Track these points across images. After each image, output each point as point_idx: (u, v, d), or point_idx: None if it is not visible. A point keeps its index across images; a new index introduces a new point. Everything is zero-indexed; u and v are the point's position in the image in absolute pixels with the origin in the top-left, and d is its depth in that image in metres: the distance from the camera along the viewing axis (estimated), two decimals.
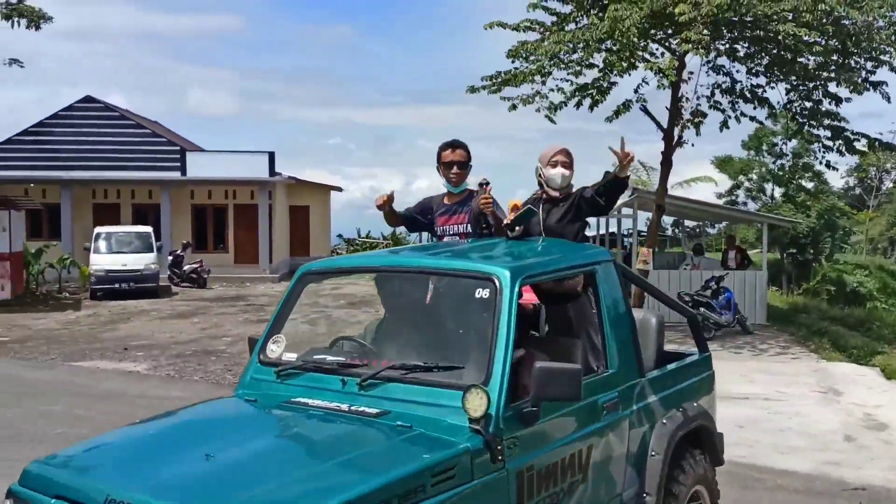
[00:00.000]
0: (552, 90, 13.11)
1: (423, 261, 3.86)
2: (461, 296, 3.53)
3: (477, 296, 3.34)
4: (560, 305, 4.07)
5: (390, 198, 4.70)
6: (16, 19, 19.40)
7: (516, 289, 3.29)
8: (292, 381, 3.50)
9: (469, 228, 4.59)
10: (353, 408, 3.20)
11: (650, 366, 4.17)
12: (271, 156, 27.02)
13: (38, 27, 19.69)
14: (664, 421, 3.95)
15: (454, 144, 4.72)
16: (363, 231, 35.26)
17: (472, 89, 13.27)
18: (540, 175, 4.45)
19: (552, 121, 13.14)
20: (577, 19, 13.31)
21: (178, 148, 27.55)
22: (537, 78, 12.66)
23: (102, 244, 21.26)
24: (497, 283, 3.29)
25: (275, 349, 3.69)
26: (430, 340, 3.61)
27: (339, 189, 36.00)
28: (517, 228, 4.24)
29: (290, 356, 3.63)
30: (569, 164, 4.41)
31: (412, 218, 4.91)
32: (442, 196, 4.79)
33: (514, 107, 13.15)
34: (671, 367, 4.29)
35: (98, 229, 22.04)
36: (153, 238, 22.08)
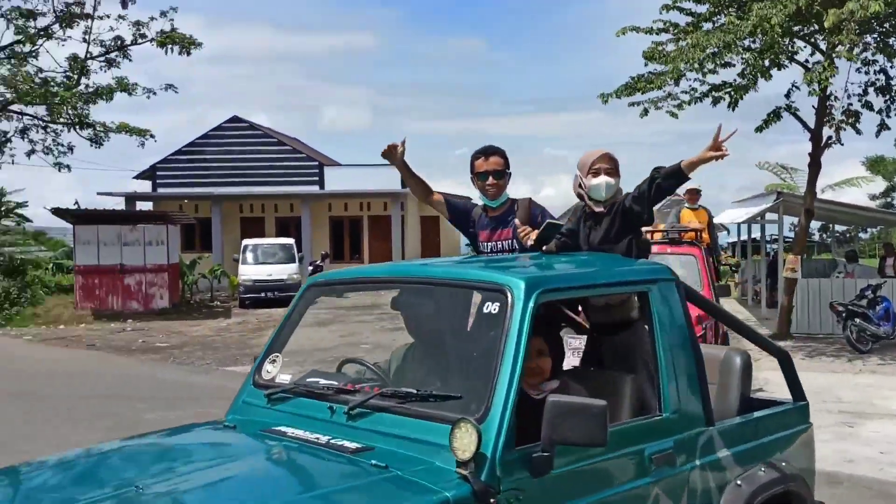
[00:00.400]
0: (684, 91, 12.82)
1: (431, 270, 3.38)
2: (464, 310, 3.05)
3: (485, 310, 2.84)
4: (613, 336, 3.48)
5: (394, 146, 4.08)
6: (169, 47, 20.91)
7: (531, 304, 2.74)
8: (281, 407, 3.12)
9: (516, 244, 4.05)
10: (331, 441, 2.77)
11: (731, 413, 3.52)
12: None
13: (188, 53, 21.14)
14: (739, 482, 3.24)
15: (488, 151, 4.12)
16: None
17: (604, 99, 13.10)
18: (580, 186, 3.78)
19: (674, 115, 12.83)
20: (714, 19, 12.91)
21: (316, 163, 28.75)
22: (669, 80, 12.37)
23: (249, 255, 22.50)
24: (509, 296, 2.76)
25: (271, 370, 3.31)
26: (443, 366, 3.17)
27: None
28: (544, 247, 3.69)
29: (285, 378, 3.26)
30: (613, 171, 3.71)
31: (452, 204, 4.37)
32: (482, 208, 4.23)
33: (645, 112, 12.91)
34: (753, 415, 3.57)
35: (245, 241, 23.36)
36: (295, 249, 23.16)
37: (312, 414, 2.98)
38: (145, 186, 28.85)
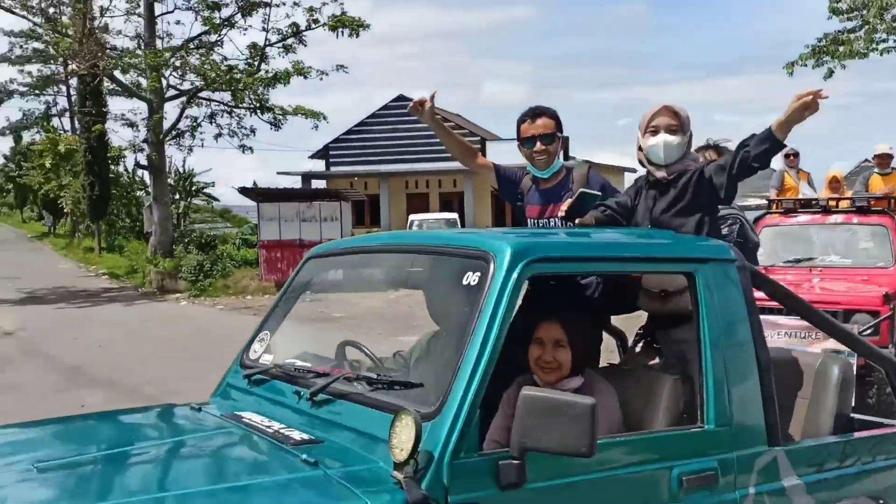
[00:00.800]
0: (875, 44, 11.90)
1: (420, 237, 2.93)
2: (451, 282, 2.54)
3: (465, 282, 2.37)
4: (670, 329, 2.96)
5: (422, 101, 3.55)
6: (340, 29, 21.82)
7: (514, 275, 2.27)
8: (257, 389, 2.86)
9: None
10: (280, 430, 2.45)
11: (823, 434, 2.93)
12: (565, 140, 27.45)
13: (357, 35, 21.96)
14: None
15: (535, 112, 3.51)
16: None
17: (789, 70, 12.35)
18: (640, 149, 3.12)
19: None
20: None
21: (478, 138, 29.10)
22: (863, 43, 11.52)
23: (416, 230, 23.25)
24: (490, 265, 2.30)
25: (257, 350, 3.07)
26: (438, 351, 2.74)
27: (633, 171, 35.62)
28: (577, 220, 3.16)
29: (268, 358, 3.01)
30: (677, 129, 3.02)
31: (500, 172, 3.81)
32: (531, 179, 3.62)
33: (830, 73, 12.11)
34: (839, 438, 2.91)
35: (412, 217, 24.14)
36: (459, 224, 23.66)
37: (280, 399, 2.71)
38: (319, 165, 30.41)
